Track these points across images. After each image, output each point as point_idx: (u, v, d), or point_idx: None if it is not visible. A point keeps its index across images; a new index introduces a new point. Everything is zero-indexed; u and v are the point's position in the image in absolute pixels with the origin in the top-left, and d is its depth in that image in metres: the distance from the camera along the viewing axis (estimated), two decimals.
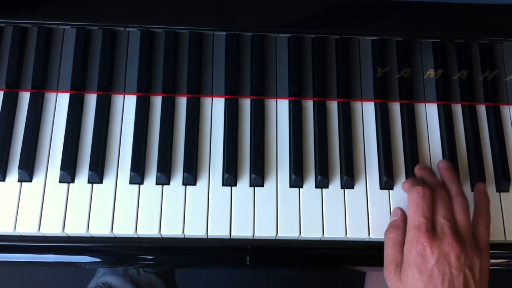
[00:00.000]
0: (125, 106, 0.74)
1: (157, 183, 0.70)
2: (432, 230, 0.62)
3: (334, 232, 0.69)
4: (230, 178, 0.70)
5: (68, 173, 0.69)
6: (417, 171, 0.70)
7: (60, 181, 0.70)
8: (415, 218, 0.63)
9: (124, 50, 0.71)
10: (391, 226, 0.67)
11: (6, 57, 0.70)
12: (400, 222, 0.66)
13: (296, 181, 0.71)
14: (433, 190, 0.65)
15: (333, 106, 0.75)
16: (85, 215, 0.68)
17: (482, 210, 0.67)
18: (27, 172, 0.69)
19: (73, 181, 0.70)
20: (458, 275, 0.60)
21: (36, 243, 0.70)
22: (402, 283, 0.62)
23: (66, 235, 0.69)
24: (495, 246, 0.72)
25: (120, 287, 0.89)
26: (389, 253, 0.65)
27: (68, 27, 0.68)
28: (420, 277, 0.60)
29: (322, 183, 0.71)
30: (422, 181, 0.66)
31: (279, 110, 0.75)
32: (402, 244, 0.64)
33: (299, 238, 0.70)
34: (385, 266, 0.65)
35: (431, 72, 0.72)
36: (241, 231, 0.69)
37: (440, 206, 0.63)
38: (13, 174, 0.70)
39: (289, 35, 0.70)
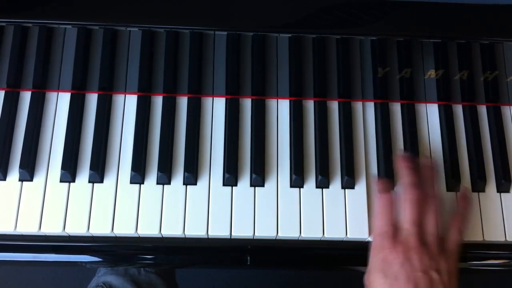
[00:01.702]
0: (126, 106, 0.74)
1: (157, 183, 0.70)
2: (395, 235, 0.63)
3: (334, 232, 0.69)
4: (230, 178, 0.70)
5: (69, 172, 0.69)
6: (400, 162, 0.69)
7: (61, 181, 0.70)
8: (379, 225, 0.65)
9: (125, 49, 0.71)
10: None
11: (7, 57, 0.70)
12: None
13: (297, 181, 0.71)
14: (409, 189, 0.65)
15: (334, 106, 0.75)
16: (86, 215, 0.68)
17: (459, 214, 0.68)
18: (28, 171, 0.69)
19: (73, 181, 0.70)
20: (423, 278, 0.61)
21: (37, 242, 0.70)
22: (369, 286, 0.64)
23: (67, 235, 0.69)
24: (495, 246, 0.72)
25: (120, 286, 0.89)
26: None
27: (69, 26, 0.68)
28: (386, 281, 0.61)
29: (323, 183, 0.71)
30: (388, 187, 0.67)
31: (280, 110, 0.75)
32: None
33: (299, 238, 0.70)
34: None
35: (432, 73, 0.72)
36: (242, 231, 0.69)
37: (411, 210, 0.64)
38: (14, 174, 0.70)
39: (290, 35, 0.70)
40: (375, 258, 0.63)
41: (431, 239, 0.63)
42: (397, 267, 0.61)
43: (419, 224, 0.63)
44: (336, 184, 0.71)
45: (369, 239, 0.69)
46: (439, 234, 0.64)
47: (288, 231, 0.69)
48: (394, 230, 0.64)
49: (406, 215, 0.64)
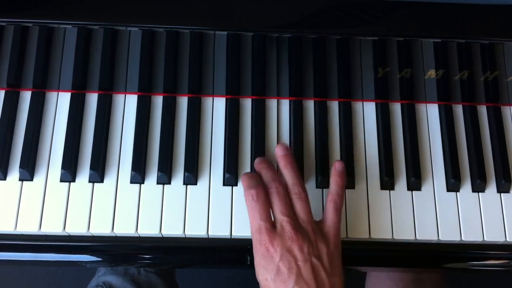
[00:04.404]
0: (126, 106, 0.74)
1: (158, 183, 0.70)
2: (272, 229, 0.62)
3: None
4: (231, 177, 0.70)
5: (69, 172, 0.69)
6: (256, 165, 0.69)
7: (61, 180, 0.70)
8: (254, 223, 0.63)
9: (125, 49, 0.71)
10: None
11: (7, 57, 0.70)
12: None
13: None
14: (268, 186, 0.65)
15: (334, 106, 0.75)
16: (86, 214, 0.68)
17: (333, 193, 0.66)
18: (28, 171, 0.69)
19: (74, 180, 0.70)
20: (304, 266, 0.60)
21: (37, 242, 0.70)
22: (260, 285, 0.63)
23: (67, 234, 0.69)
24: (495, 247, 0.72)
25: (120, 286, 0.89)
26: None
27: (69, 26, 0.68)
28: (268, 276, 0.61)
29: (323, 183, 0.71)
30: (256, 182, 0.65)
31: (280, 110, 0.75)
32: None
33: None
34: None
35: (432, 73, 0.72)
36: (242, 231, 0.69)
37: (277, 202, 0.63)
38: (14, 173, 0.70)
39: (290, 35, 0.70)
40: (256, 255, 0.62)
41: (305, 225, 0.63)
42: (277, 260, 0.60)
43: (290, 214, 0.63)
44: None
45: (369, 239, 0.70)
46: (313, 219, 0.64)
47: None
48: (270, 224, 0.63)
49: (275, 208, 0.63)
